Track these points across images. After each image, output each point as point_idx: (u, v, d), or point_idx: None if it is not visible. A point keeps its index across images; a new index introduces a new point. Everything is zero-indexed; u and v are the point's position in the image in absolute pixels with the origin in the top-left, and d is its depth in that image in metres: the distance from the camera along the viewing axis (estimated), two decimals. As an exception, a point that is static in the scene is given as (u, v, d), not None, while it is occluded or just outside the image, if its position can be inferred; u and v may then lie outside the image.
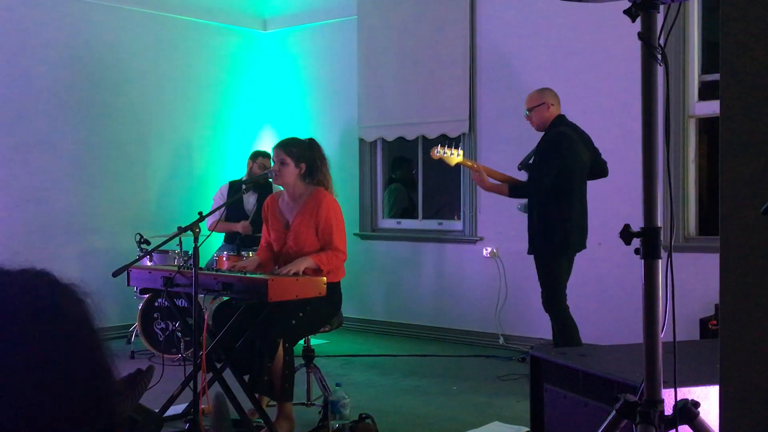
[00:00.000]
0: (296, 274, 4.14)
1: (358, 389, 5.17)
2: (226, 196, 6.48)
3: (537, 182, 5.09)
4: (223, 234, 6.93)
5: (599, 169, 5.31)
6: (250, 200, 6.59)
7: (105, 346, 1.12)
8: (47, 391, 1.02)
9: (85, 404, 1.05)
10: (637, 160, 2.26)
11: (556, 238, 5.09)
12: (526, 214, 5.30)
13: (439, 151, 5.24)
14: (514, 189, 5.24)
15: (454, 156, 5.23)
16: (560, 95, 6.40)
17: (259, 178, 5.76)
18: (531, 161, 5.24)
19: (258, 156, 6.67)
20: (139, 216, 7.17)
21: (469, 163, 5.33)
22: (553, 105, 5.24)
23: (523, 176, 5.34)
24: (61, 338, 1.06)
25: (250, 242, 6.33)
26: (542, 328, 5.92)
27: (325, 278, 4.15)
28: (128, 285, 4.58)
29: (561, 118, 5.24)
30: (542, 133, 5.26)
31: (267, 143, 8.04)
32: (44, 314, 1.06)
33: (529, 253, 5.25)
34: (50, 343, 1.04)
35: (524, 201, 5.32)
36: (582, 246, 5.25)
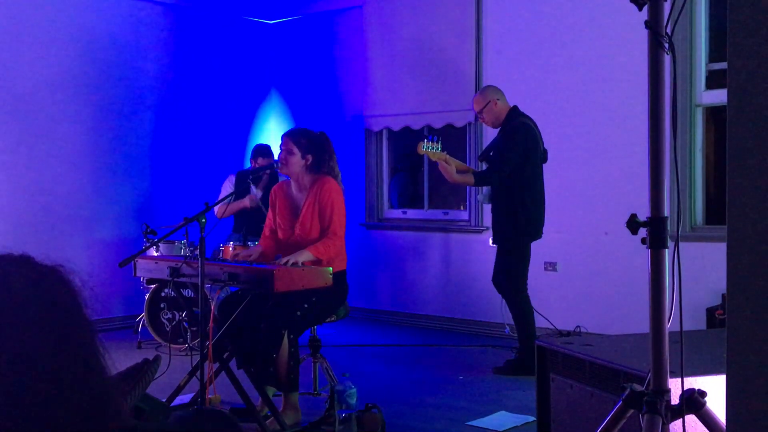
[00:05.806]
0: (294, 264, 4.12)
1: (365, 379, 5.17)
2: (234, 185, 6.52)
3: (500, 171, 5.25)
4: (232, 223, 6.93)
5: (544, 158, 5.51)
6: (257, 192, 6.59)
7: (93, 338, 1.07)
8: (28, 383, 0.98)
9: (70, 399, 1.00)
10: (644, 149, 2.26)
11: (521, 225, 5.29)
12: (489, 205, 5.49)
13: (426, 146, 5.35)
14: (478, 178, 5.39)
15: (437, 152, 5.34)
16: (567, 84, 6.38)
17: (264, 168, 5.76)
18: (492, 153, 5.38)
19: (258, 156, 6.71)
20: (145, 206, 7.19)
21: (443, 157, 5.37)
22: (498, 100, 5.40)
23: (483, 166, 5.49)
24: (41, 330, 1.00)
25: (257, 232, 6.33)
26: (548, 317, 5.91)
27: (330, 268, 4.15)
28: (134, 275, 4.58)
29: (515, 110, 5.40)
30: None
31: (273, 134, 8.04)
32: (19, 304, 1.01)
33: (494, 242, 5.44)
34: (26, 336, 0.99)
35: (486, 192, 5.51)
36: (539, 235, 5.39)
